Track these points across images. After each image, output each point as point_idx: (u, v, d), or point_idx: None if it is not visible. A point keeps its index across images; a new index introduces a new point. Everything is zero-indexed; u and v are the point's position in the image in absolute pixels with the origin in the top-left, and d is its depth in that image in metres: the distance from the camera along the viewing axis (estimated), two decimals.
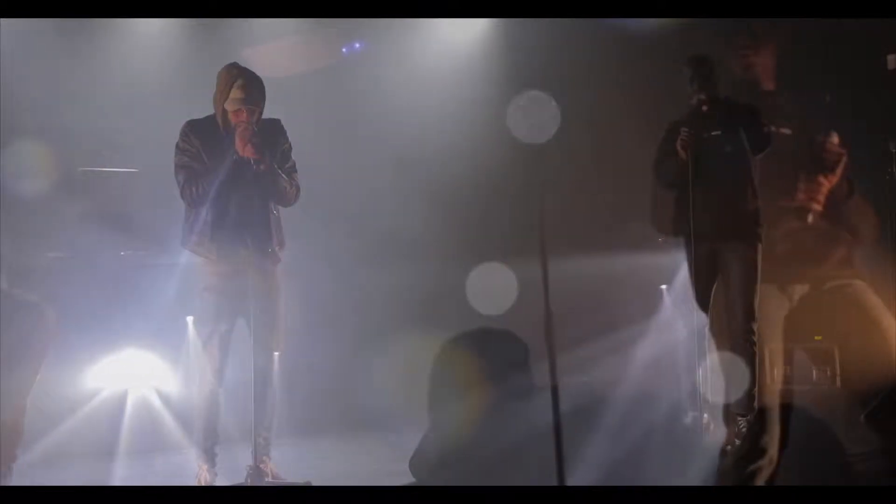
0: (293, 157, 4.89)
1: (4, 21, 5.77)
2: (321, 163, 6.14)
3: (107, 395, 5.84)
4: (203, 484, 4.72)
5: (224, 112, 4.72)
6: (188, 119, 4.81)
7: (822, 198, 5.09)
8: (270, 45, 6.62)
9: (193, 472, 4.82)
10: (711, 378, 5.35)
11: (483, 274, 6.27)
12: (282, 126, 4.87)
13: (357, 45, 7.28)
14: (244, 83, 4.68)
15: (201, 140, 4.73)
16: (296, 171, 4.87)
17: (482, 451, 4.06)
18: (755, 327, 5.24)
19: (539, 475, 3.17)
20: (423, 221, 6.84)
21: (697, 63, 5.27)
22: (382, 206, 6.84)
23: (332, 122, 6.73)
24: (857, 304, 5.18)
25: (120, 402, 5.86)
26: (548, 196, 6.69)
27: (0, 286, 4.53)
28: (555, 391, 2.71)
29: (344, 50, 7.25)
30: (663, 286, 6.33)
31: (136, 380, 5.94)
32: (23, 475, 4.50)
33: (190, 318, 5.78)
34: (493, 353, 4.25)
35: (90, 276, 5.85)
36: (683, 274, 5.75)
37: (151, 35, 6.61)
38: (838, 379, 6.08)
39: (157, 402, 5.91)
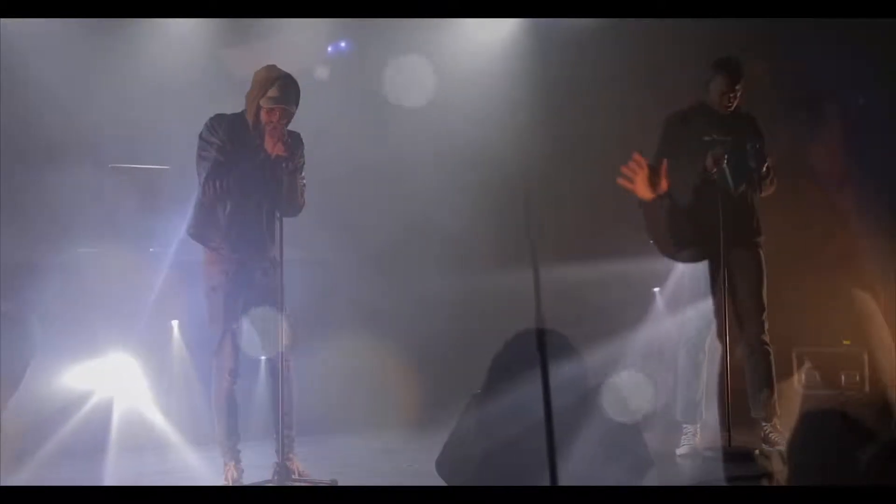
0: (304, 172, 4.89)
1: (34, 22, 5.81)
2: (338, 163, 6.19)
3: (128, 390, 5.85)
4: (231, 480, 4.74)
5: (258, 109, 4.72)
6: (216, 113, 4.81)
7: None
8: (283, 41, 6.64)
9: (219, 470, 4.84)
10: (717, 386, 5.35)
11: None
12: (301, 139, 4.88)
13: (342, 45, 7.25)
14: (283, 84, 4.70)
15: (227, 134, 4.72)
16: (304, 188, 4.87)
17: (510, 451, 4.05)
18: (767, 333, 5.26)
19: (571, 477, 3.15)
20: (443, 221, 6.84)
21: (728, 69, 5.26)
22: (404, 206, 6.84)
23: (349, 122, 6.73)
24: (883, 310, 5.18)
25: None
26: (567, 198, 6.72)
27: None
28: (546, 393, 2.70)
29: (330, 49, 7.22)
30: (656, 289, 6.29)
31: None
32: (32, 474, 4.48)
33: (175, 322, 5.88)
34: (525, 353, 4.23)
35: (116, 271, 5.85)
36: (675, 277, 5.75)
37: (181, 34, 6.63)
38: (867, 384, 6.07)
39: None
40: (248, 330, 4.78)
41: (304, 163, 4.87)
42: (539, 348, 2.64)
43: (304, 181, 4.86)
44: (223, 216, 4.71)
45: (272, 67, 4.77)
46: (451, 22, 7.03)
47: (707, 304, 5.38)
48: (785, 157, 6.01)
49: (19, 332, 4.46)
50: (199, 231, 4.78)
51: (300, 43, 6.63)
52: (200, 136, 4.75)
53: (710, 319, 5.32)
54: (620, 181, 4.40)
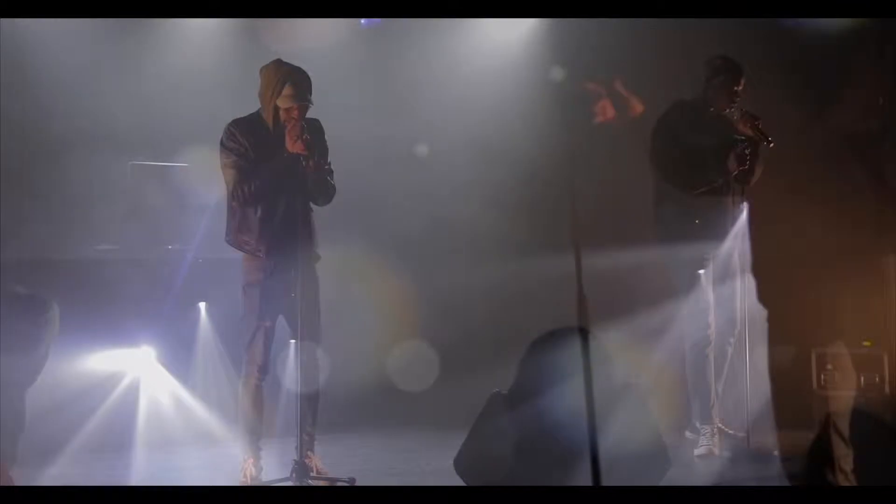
0: (329, 158, 4.91)
1: (51, 22, 5.83)
2: (358, 160, 6.18)
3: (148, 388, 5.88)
4: (248, 477, 4.75)
5: (275, 109, 4.74)
6: (232, 118, 4.82)
7: None
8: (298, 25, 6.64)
9: (237, 465, 4.85)
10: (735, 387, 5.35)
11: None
12: (321, 126, 4.89)
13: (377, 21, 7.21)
14: (297, 79, 4.71)
15: (248, 138, 4.75)
16: (332, 172, 4.90)
17: (528, 452, 4.05)
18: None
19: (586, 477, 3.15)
20: (463, 218, 6.84)
21: (735, 67, 5.36)
22: (421, 204, 6.84)
23: (368, 119, 6.74)
24: None
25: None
26: (585, 195, 6.69)
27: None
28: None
29: (363, 22, 7.21)
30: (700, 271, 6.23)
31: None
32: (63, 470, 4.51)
33: (202, 304, 5.91)
34: (550, 354, 4.21)
35: (138, 269, 5.88)
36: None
37: (199, 31, 6.66)
38: (887, 386, 6.02)
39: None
40: (281, 327, 4.80)
41: (326, 148, 4.88)
42: (583, 350, 2.64)
43: (330, 165, 4.87)
44: (255, 220, 4.75)
45: (280, 63, 4.78)
46: (474, 21, 7.04)
47: (709, 303, 5.41)
48: (805, 151, 6.00)
49: (39, 311, 4.46)
50: (235, 237, 4.82)
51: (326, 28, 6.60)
52: (221, 144, 4.78)
53: (713, 319, 5.37)
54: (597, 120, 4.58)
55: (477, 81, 7.06)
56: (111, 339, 5.69)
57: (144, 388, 5.80)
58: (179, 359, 5.92)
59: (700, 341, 5.44)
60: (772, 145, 5.28)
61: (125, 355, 5.78)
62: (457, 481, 4.22)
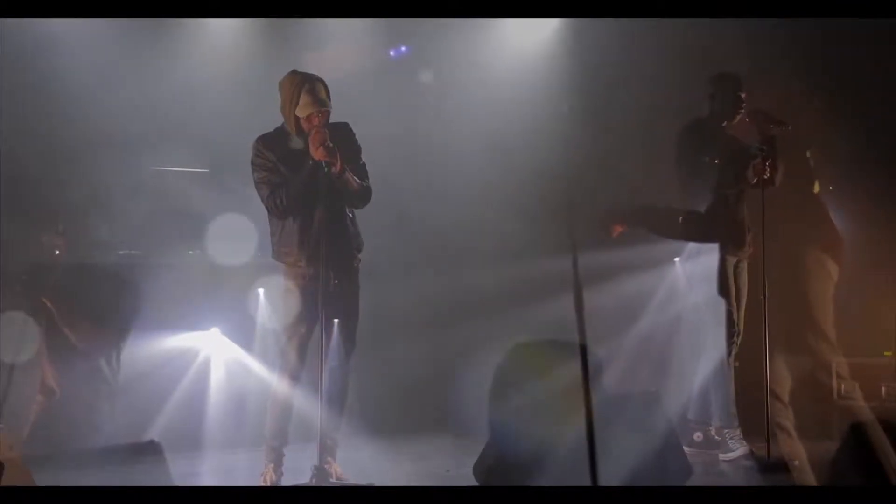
0: (363, 158, 4.96)
1: (71, 27, 5.88)
2: (387, 165, 6.19)
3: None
4: (269, 482, 4.76)
5: (296, 120, 4.78)
6: (258, 136, 4.88)
7: None
8: (330, 48, 6.69)
9: (259, 469, 4.87)
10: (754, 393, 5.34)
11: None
12: (350, 129, 4.94)
13: (403, 49, 7.32)
14: (311, 87, 4.75)
15: (275, 153, 4.81)
16: (366, 173, 4.93)
17: (546, 457, 4.04)
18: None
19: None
20: (485, 223, 6.84)
21: (735, 79, 5.41)
22: (447, 208, 6.84)
23: (392, 123, 6.76)
24: None
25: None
26: (606, 196, 6.67)
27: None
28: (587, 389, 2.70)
29: (392, 53, 7.30)
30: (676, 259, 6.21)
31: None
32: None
33: (261, 290, 6.01)
34: (562, 360, 4.21)
35: (158, 274, 5.91)
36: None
37: (221, 35, 6.68)
38: None
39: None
40: (316, 335, 4.80)
41: (359, 148, 4.93)
42: (582, 362, 2.65)
43: (363, 165, 4.92)
44: (293, 231, 4.79)
45: (294, 74, 4.82)
46: (494, 22, 7.04)
47: (720, 309, 5.41)
48: (823, 163, 6.01)
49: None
50: (277, 252, 4.89)
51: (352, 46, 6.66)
52: (252, 163, 4.84)
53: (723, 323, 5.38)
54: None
55: (496, 84, 7.05)
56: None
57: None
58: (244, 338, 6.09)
59: (727, 349, 5.42)
60: (789, 128, 5.30)
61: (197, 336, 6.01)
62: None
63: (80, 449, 4.72)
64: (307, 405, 4.83)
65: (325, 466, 4.68)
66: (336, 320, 4.76)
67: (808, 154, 5.48)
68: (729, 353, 5.45)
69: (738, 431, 5.44)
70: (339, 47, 6.73)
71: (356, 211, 4.95)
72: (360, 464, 5.19)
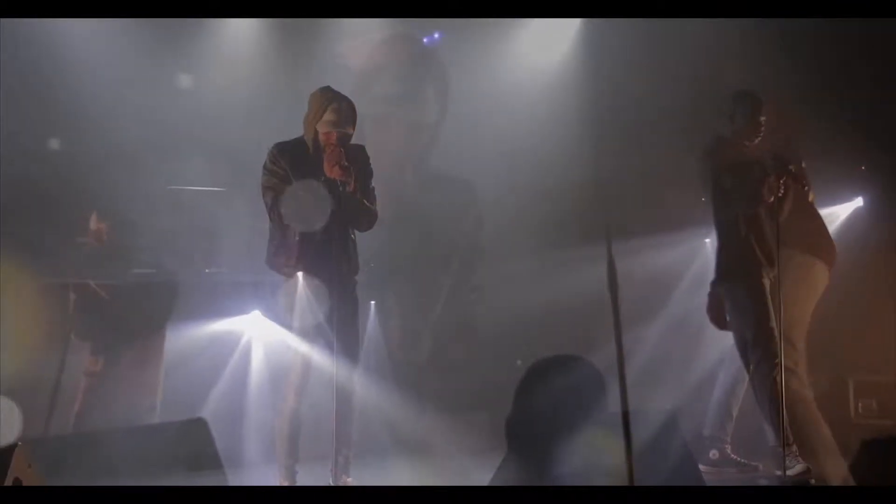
0: (373, 184, 4.97)
1: (90, 37, 5.92)
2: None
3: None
4: None
5: (315, 133, 4.81)
6: (276, 141, 4.90)
7: None
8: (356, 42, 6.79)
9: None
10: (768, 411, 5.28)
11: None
12: (365, 152, 4.96)
13: (436, 36, 7.38)
14: (338, 106, 4.78)
15: (289, 162, 4.81)
16: (375, 197, 4.95)
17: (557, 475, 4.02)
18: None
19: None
20: (498, 225, 6.85)
21: (755, 97, 5.38)
22: (453, 212, 6.86)
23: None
24: None
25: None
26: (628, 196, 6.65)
27: None
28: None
29: (425, 40, 7.37)
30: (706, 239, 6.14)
31: None
32: None
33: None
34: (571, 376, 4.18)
35: (175, 293, 5.94)
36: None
37: (239, 43, 6.73)
38: None
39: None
40: (321, 351, 4.81)
41: (371, 173, 4.94)
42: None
43: (373, 190, 4.93)
44: (292, 242, 4.80)
45: (326, 90, 4.85)
46: (516, 22, 7.07)
47: (774, 329, 5.34)
48: (843, 177, 5.98)
49: None
50: (272, 259, 4.89)
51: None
52: (264, 167, 4.85)
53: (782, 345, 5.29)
54: None
55: (514, 89, 7.07)
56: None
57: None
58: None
59: (771, 368, 5.32)
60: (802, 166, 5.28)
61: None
62: None
63: (129, 427, 4.86)
64: (316, 421, 4.84)
65: (340, 484, 4.67)
66: (341, 338, 4.71)
67: (803, 164, 5.42)
68: (773, 370, 5.31)
69: (794, 447, 5.31)
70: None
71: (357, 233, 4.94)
72: (374, 481, 5.19)
